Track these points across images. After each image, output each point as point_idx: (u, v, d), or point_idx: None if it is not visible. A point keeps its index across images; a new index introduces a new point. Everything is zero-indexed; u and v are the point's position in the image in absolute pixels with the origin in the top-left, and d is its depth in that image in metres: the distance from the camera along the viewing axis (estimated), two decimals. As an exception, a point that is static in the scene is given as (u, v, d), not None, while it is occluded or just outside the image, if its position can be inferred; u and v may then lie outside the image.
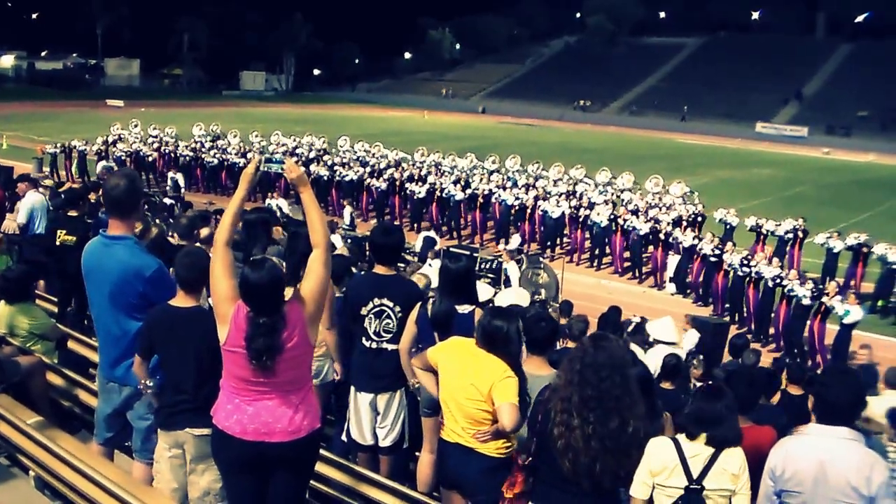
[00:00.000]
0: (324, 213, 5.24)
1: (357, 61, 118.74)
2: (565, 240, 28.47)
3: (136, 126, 39.98)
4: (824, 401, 4.99)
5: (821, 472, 4.79)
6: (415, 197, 30.10)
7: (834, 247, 24.10)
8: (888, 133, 77.64)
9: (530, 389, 5.62)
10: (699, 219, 27.32)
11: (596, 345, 5.08)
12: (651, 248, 25.38)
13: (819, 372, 6.30)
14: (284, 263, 6.45)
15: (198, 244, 8.81)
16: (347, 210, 28.95)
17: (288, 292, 5.12)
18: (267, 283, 4.92)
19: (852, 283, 23.84)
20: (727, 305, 22.29)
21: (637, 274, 25.78)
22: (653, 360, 10.35)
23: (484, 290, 10.60)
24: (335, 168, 32.97)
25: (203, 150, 36.04)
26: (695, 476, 4.90)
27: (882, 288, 23.47)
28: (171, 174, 32.45)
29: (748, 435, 5.74)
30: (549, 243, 27.88)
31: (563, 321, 12.33)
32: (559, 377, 5.15)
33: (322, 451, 6.71)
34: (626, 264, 26.26)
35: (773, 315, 20.46)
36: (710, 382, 5.82)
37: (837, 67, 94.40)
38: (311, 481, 6.35)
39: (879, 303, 23.40)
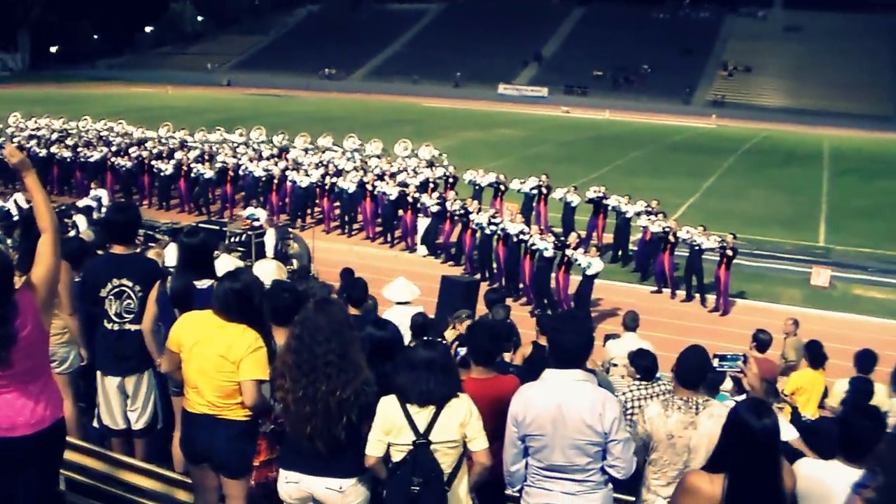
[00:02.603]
0: (48, 197, 4.94)
1: (96, 37, 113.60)
2: (315, 209, 28.41)
3: None
4: (557, 345, 5.19)
5: (558, 414, 4.98)
6: (161, 174, 29.25)
7: (571, 201, 25.16)
8: (620, 91, 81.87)
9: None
10: (451, 180, 27.79)
11: (318, 308, 5.17)
12: (401, 211, 25.61)
13: (554, 319, 6.53)
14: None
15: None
16: (94, 192, 27.80)
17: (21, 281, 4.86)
18: (-8, 272, 4.64)
19: (594, 234, 24.87)
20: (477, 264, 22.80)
21: (389, 238, 26.04)
22: (395, 320, 10.52)
23: (233, 263, 10.44)
24: (78, 149, 31.62)
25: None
26: (421, 431, 5.00)
27: (619, 237, 24.63)
28: None
29: (492, 385, 5.92)
30: (298, 213, 27.82)
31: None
32: (285, 342, 5.26)
33: (76, 440, 6.48)
34: (378, 229, 26.46)
35: (520, 270, 21.07)
36: (427, 340, 5.89)
37: (572, 30, 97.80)
38: (67, 471, 6.15)
39: (619, 252, 24.58)
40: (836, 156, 51.67)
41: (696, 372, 5.69)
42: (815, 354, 11.66)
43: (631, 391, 8.38)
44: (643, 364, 8.61)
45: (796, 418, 10.78)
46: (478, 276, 21.55)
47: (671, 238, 21.45)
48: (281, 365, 5.18)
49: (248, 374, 5.35)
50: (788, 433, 7.54)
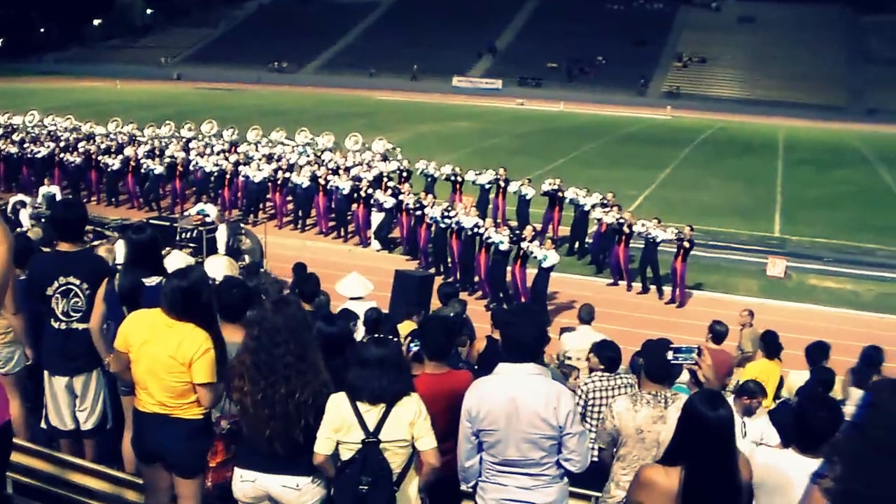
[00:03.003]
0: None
1: (42, 30, 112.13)
2: (268, 204, 28.27)
3: None
4: (510, 339, 5.20)
5: (512, 408, 4.98)
6: (109, 170, 28.94)
7: (526, 193, 25.23)
8: (575, 83, 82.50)
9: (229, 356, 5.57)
10: (405, 174, 27.77)
11: (275, 309, 5.16)
12: (354, 206, 25.53)
13: (507, 313, 6.53)
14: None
15: None
16: (43, 189, 27.36)
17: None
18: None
19: (550, 227, 24.95)
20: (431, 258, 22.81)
21: (342, 233, 26.00)
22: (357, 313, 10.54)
23: (184, 260, 10.37)
24: (25, 145, 31.19)
25: None
26: (371, 429, 4.98)
27: (577, 230, 24.70)
28: None
29: (445, 380, 5.92)
30: (251, 208, 27.67)
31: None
32: (242, 342, 5.24)
33: (23, 442, 6.41)
34: (331, 224, 26.38)
35: (475, 264, 21.09)
36: (379, 337, 5.87)
37: (526, 21, 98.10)
38: (14, 474, 6.13)
39: (576, 245, 24.67)
40: (791, 146, 52.27)
41: (664, 365, 5.70)
42: (770, 345, 11.77)
43: (593, 382, 8.41)
44: (608, 355, 8.65)
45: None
46: (433, 271, 21.56)
47: (626, 230, 21.54)
48: (238, 365, 5.16)
49: (201, 379, 5.35)
50: (772, 438, 7.61)
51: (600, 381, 8.41)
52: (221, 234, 20.61)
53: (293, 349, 5.04)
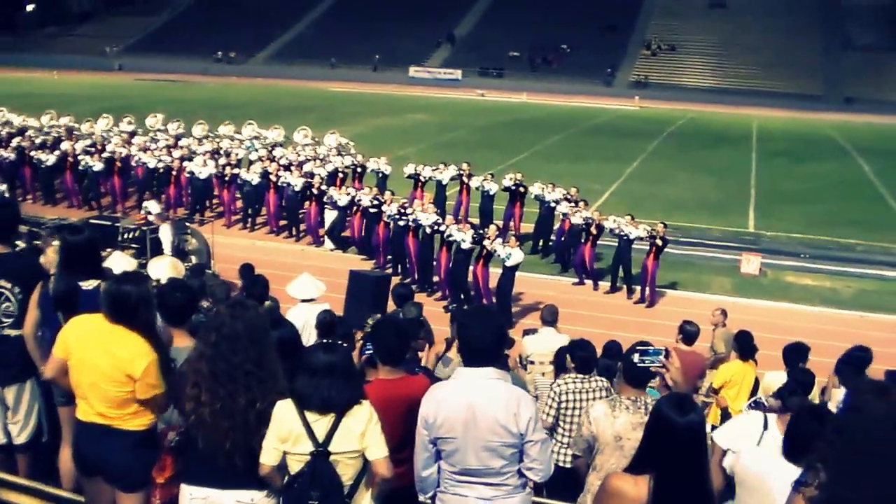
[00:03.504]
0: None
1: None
2: (215, 202, 28.13)
3: None
4: (466, 342, 5.22)
5: (470, 415, 5.00)
6: (43, 166, 28.62)
7: (489, 189, 25.25)
8: (538, 72, 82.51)
9: (175, 363, 5.56)
10: (359, 170, 27.73)
11: (234, 314, 5.09)
12: (307, 203, 25.45)
13: (462, 315, 6.50)
14: None
15: None
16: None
17: None
18: None
19: (511, 224, 24.98)
20: (389, 257, 22.80)
21: (294, 232, 25.95)
22: (300, 318, 10.57)
23: (126, 261, 10.31)
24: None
25: None
26: (320, 440, 4.93)
27: (542, 227, 24.76)
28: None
29: (400, 386, 5.94)
30: (197, 207, 27.48)
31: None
32: (195, 349, 5.15)
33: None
34: (283, 223, 26.31)
35: (435, 263, 21.13)
36: (327, 342, 5.81)
37: (486, 9, 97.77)
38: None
39: (540, 242, 24.72)
40: (766, 137, 52.76)
41: (644, 369, 5.67)
42: (744, 345, 11.84)
43: (566, 384, 8.43)
44: (582, 355, 8.67)
45: (725, 415, 10.99)
46: (389, 271, 21.57)
47: (593, 230, 21.67)
48: (193, 374, 5.06)
49: (146, 388, 5.34)
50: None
51: (574, 382, 8.44)
52: (166, 234, 20.45)
53: (253, 356, 5.00)
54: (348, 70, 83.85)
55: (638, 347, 5.67)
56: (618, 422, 5.69)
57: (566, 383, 8.46)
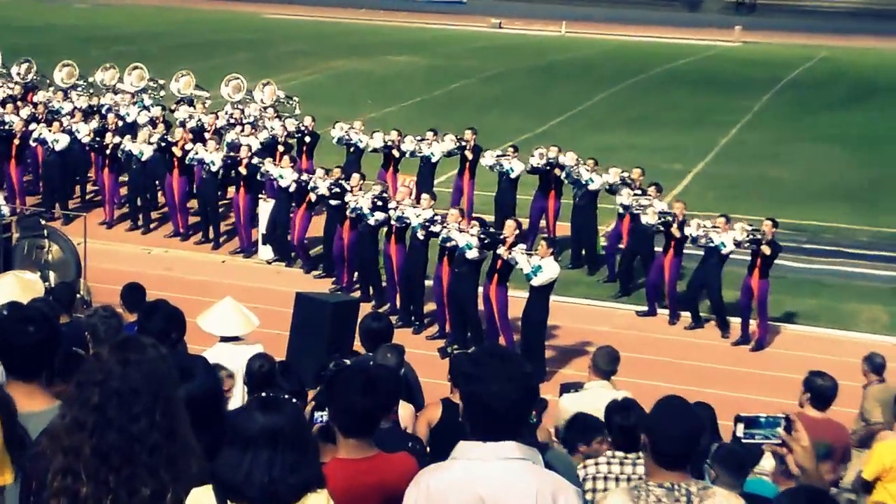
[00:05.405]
0: None
1: None
2: (89, 187, 28.08)
3: None
4: (476, 402, 5.06)
5: (481, 515, 4.92)
6: None
7: (510, 170, 25.12)
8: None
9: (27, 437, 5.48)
10: (308, 140, 27.73)
11: (125, 360, 4.79)
12: (231, 190, 25.34)
13: (468, 362, 6.33)
14: None
15: None
16: None
17: None
18: None
19: (542, 222, 24.90)
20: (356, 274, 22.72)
21: (212, 235, 25.88)
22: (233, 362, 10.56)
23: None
24: None
25: None
26: None
27: (583, 227, 24.62)
28: None
29: (372, 468, 5.95)
30: (57, 195, 27.22)
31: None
32: (63, 416, 4.89)
33: None
34: (194, 219, 26.26)
35: (428, 282, 21.04)
36: (267, 397, 5.65)
37: None
38: None
39: (583, 250, 24.66)
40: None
41: (681, 442, 5.51)
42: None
43: (597, 466, 8.44)
44: (624, 424, 8.65)
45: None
46: (357, 294, 21.52)
47: (675, 230, 21.54)
48: (64, 457, 4.74)
49: None
50: None
51: (608, 464, 8.45)
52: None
53: (159, 422, 4.70)
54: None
55: (742, 415, 5.56)
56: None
57: (596, 465, 8.47)
